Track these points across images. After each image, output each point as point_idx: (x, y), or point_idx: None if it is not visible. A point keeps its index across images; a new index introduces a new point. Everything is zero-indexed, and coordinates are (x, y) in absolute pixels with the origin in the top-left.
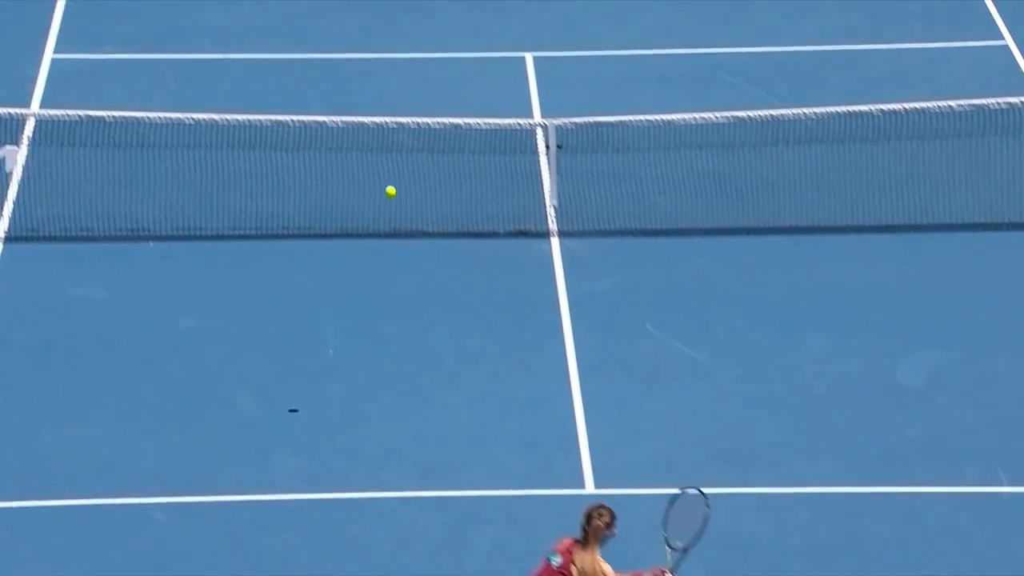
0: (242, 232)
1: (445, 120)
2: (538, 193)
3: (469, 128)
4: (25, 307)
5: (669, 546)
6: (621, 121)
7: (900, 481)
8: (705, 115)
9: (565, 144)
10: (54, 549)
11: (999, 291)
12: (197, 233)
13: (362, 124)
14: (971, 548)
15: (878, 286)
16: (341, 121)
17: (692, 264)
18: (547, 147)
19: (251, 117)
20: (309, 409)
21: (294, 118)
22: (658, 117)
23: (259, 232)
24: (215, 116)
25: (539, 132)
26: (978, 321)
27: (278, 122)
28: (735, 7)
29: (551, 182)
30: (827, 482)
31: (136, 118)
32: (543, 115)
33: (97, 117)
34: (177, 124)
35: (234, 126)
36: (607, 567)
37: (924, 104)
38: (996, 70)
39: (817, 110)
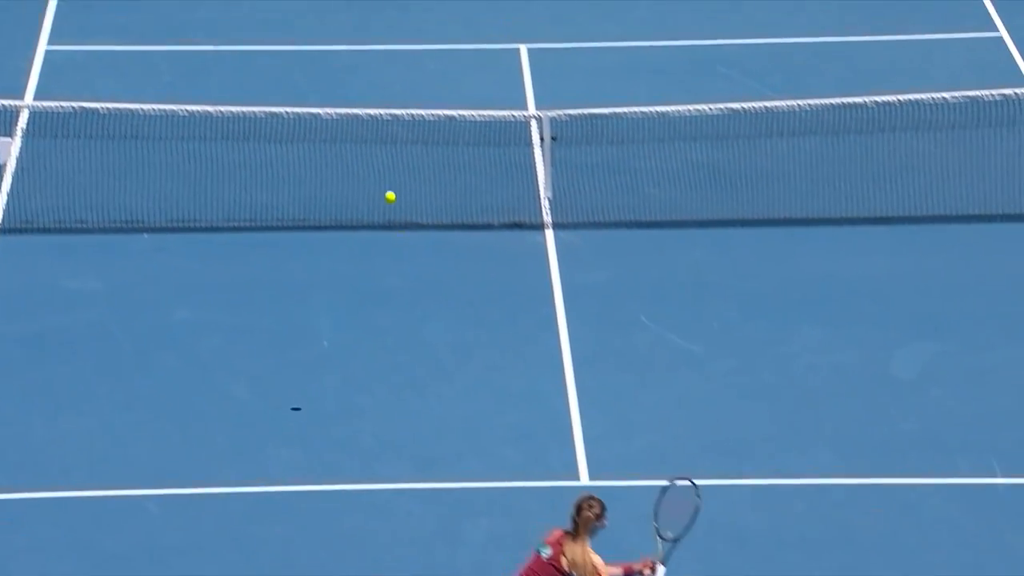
0: (236, 224)
1: (439, 112)
2: (532, 185)
3: (463, 120)
4: (19, 299)
5: (660, 537)
6: (615, 113)
7: (894, 473)
8: (699, 107)
9: (559, 136)
10: (48, 541)
11: (993, 283)
12: (191, 225)
13: (356, 116)
14: (965, 539)
15: (872, 278)
16: (335, 113)
17: (686, 256)
18: (541, 139)
19: (245, 109)
20: (303, 401)
21: (288, 110)
22: (652, 109)
23: (253, 224)
24: (209, 108)
25: (533, 124)
26: (972, 313)
27: (272, 114)
28: None
29: (545, 174)
30: (821, 474)
31: (130, 110)
32: (537, 107)
33: (91, 109)
34: (171, 116)
35: (228, 118)
36: (597, 559)
37: (918, 96)
38: (990, 62)
39: (811, 102)
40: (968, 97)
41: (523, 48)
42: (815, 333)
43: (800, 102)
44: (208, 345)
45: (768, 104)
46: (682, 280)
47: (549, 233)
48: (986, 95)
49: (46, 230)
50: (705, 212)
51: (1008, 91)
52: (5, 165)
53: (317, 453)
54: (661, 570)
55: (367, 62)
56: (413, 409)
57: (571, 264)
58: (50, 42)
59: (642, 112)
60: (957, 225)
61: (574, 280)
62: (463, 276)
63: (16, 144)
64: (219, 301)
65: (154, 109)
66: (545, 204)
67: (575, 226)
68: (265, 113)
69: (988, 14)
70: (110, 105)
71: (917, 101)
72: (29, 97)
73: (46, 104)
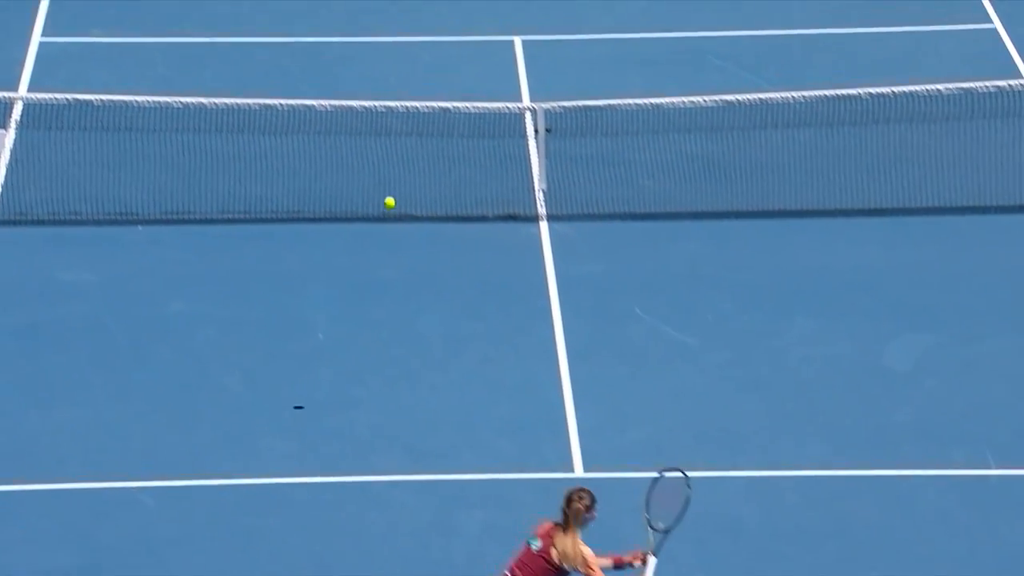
0: (231, 216)
1: (434, 104)
2: (527, 177)
3: (458, 112)
4: (13, 291)
5: (651, 528)
6: (610, 105)
7: (888, 464)
8: (694, 99)
9: (554, 128)
10: (42, 533)
11: (987, 274)
12: (185, 217)
13: (351, 108)
14: (959, 530)
15: (866, 269)
16: (329, 105)
17: (681, 248)
18: (536, 131)
19: (239, 101)
20: (298, 393)
21: (282, 102)
22: (647, 101)
23: (248, 216)
24: (203, 100)
25: (528, 116)
26: (966, 304)
27: (266, 106)
28: None
29: (540, 166)
30: (815, 465)
31: (124, 102)
32: (532, 99)
33: (85, 101)
34: (165, 108)
35: (222, 110)
36: (587, 550)
37: (912, 87)
38: (984, 53)
39: (806, 94)
40: (962, 89)
41: (517, 40)
42: (809, 325)
43: (794, 94)
44: (202, 337)
45: (762, 96)
46: (676, 272)
47: (543, 225)
48: (980, 87)
49: (40, 222)
50: (699, 204)
51: (1002, 83)
52: None
53: (312, 445)
54: (652, 561)
55: (361, 54)
56: (407, 401)
57: (565, 256)
58: (44, 34)
59: (636, 104)
60: (951, 216)
61: (568, 272)
62: (457, 268)
63: (10, 136)
64: (213, 293)
65: (148, 101)
66: (539, 196)
67: (569, 218)
68: (259, 105)
69: (982, 6)
70: (104, 97)
71: (911, 93)
72: (23, 89)
73: (40, 96)
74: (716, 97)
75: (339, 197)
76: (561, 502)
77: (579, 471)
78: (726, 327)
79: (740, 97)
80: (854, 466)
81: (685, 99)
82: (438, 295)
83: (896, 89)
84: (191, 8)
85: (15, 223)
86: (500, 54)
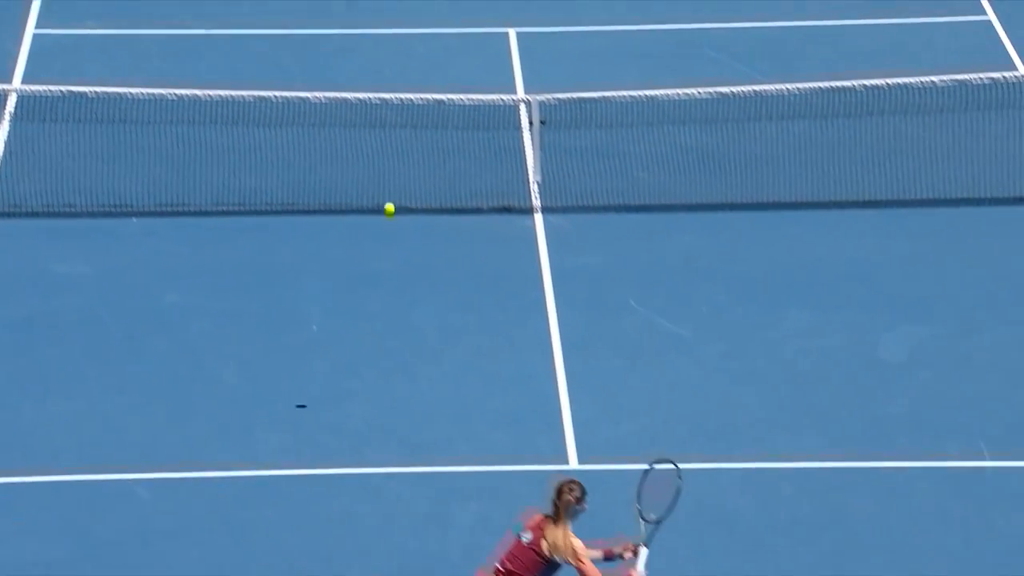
0: (225, 208)
1: (428, 96)
2: (521, 169)
3: (452, 104)
4: (7, 283)
5: (643, 519)
6: (604, 97)
7: (883, 456)
8: (688, 91)
9: (548, 120)
10: (37, 525)
11: (981, 266)
12: (180, 209)
13: (345, 100)
14: (953, 522)
15: (861, 261)
16: (324, 97)
17: (675, 240)
18: (530, 123)
19: (234, 93)
20: (293, 385)
21: (277, 94)
22: (641, 93)
23: (242, 208)
24: (198, 92)
25: (522, 108)
26: (961, 296)
27: (261, 98)
28: None
29: (534, 158)
30: (810, 457)
31: (118, 94)
32: (526, 91)
33: (79, 93)
34: (159, 100)
35: (217, 102)
36: (578, 542)
37: (906, 79)
38: (978, 45)
39: (800, 85)
40: (957, 81)
41: (512, 32)
42: (804, 317)
43: (788, 86)
44: (197, 329)
45: (757, 88)
46: (671, 264)
47: (538, 217)
48: (975, 78)
49: (34, 214)
50: (694, 196)
51: (996, 74)
52: None
53: (307, 437)
54: (644, 552)
55: (356, 46)
56: (402, 393)
57: (560, 248)
58: (38, 25)
59: (631, 96)
60: (945, 208)
61: (563, 264)
62: (452, 260)
63: (4, 128)
64: (208, 285)
65: (143, 93)
66: (534, 188)
67: (564, 210)
68: (254, 97)
69: None
70: (98, 89)
71: (906, 85)
72: (17, 81)
73: (34, 88)
74: (711, 89)
75: (334, 189)
76: (551, 494)
77: (574, 463)
78: (721, 319)
79: (734, 89)
80: (849, 458)
81: (679, 91)
82: (433, 287)
83: (890, 81)
84: (185, 0)
85: (9, 215)
86: (495, 46)
